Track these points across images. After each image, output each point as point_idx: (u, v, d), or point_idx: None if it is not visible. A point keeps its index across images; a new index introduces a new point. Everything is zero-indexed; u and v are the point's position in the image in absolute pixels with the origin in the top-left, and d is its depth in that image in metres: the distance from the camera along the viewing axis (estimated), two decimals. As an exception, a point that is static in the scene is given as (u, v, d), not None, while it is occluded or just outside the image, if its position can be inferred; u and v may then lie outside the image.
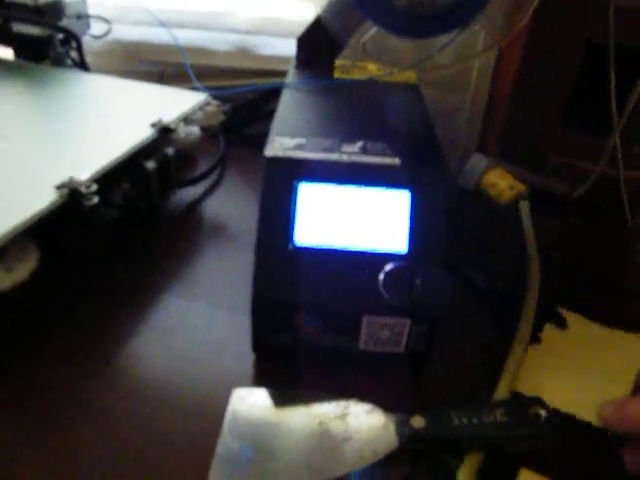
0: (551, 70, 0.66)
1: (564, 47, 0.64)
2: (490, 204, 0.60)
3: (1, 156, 0.47)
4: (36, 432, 0.36)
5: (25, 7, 0.65)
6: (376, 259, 0.38)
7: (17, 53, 0.70)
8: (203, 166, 0.65)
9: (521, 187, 0.59)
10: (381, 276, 0.36)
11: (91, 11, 0.73)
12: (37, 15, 0.65)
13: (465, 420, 0.35)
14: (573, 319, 0.47)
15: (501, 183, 0.60)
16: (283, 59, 0.71)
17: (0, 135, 0.50)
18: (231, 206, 0.61)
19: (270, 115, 0.47)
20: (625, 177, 0.60)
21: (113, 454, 0.35)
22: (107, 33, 0.75)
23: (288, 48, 0.68)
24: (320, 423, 0.36)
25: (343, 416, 0.36)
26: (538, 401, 0.36)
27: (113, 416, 0.37)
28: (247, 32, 0.75)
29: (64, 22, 0.68)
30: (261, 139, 0.42)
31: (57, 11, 0.67)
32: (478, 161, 0.62)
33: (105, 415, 0.37)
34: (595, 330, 0.46)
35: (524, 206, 0.59)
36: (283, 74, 0.59)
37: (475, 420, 0.35)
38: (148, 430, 0.37)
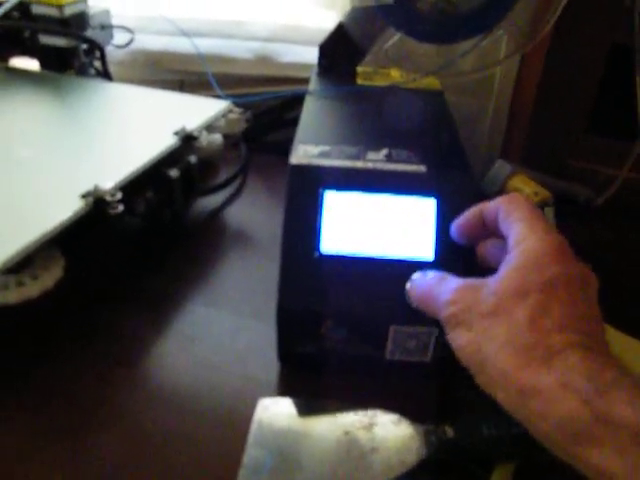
0: (574, 74, 0.65)
1: (588, 51, 0.63)
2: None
3: (27, 165, 0.48)
4: (60, 438, 0.36)
5: (51, 19, 0.66)
6: (403, 267, 0.37)
7: (42, 64, 0.71)
8: (225, 174, 0.65)
9: (545, 193, 0.59)
10: (408, 284, 0.36)
11: (114, 21, 0.74)
12: (63, 26, 0.66)
13: (494, 430, 0.34)
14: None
15: (525, 189, 0.59)
16: (304, 66, 0.71)
17: (27, 144, 0.51)
18: (254, 214, 0.61)
19: (291, 123, 0.47)
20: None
21: (137, 462, 0.35)
22: (130, 43, 0.75)
23: (309, 55, 0.68)
24: (346, 433, 0.35)
25: (370, 426, 0.36)
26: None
27: (137, 423, 0.37)
28: (268, 40, 0.75)
29: (88, 33, 0.69)
30: (283, 146, 0.42)
31: (82, 22, 0.68)
32: (502, 167, 0.61)
33: (129, 423, 0.37)
34: (619, 339, 0.45)
35: (549, 212, 0.58)
36: (304, 81, 0.59)
37: (505, 430, 0.34)
38: (172, 438, 0.37)
